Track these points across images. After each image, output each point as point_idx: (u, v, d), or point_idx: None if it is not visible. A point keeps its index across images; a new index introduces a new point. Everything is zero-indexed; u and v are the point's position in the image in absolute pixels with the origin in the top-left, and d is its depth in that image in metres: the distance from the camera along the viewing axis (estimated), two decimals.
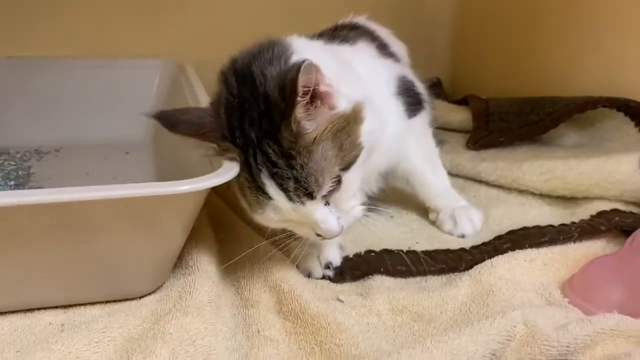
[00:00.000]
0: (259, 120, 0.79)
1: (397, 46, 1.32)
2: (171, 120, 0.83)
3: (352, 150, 0.82)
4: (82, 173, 1.32)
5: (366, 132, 0.85)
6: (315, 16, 1.27)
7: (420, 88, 1.21)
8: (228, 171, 0.79)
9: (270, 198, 0.80)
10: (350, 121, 0.83)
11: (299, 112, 0.77)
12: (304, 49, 0.87)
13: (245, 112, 0.80)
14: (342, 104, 0.83)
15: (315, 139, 0.79)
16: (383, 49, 1.20)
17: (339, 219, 0.83)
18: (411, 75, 1.20)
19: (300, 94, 0.75)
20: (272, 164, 0.79)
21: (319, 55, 0.83)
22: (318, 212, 0.81)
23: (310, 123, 0.79)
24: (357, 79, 0.94)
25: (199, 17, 1.72)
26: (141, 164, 1.41)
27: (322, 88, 0.79)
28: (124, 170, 1.36)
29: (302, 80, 0.74)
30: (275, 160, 0.78)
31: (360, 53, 1.10)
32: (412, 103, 1.11)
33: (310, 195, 0.79)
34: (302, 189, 0.78)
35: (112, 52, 1.58)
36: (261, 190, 0.80)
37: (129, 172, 1.36)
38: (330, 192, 0.81)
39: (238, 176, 0.81)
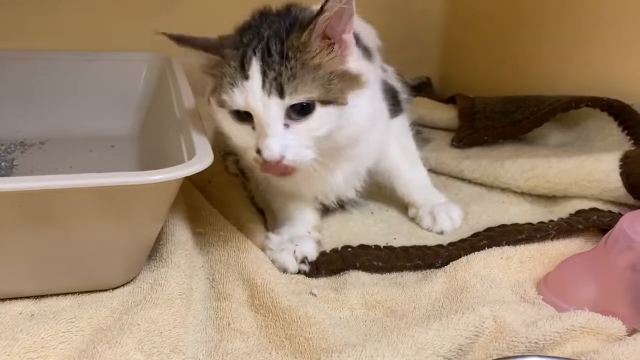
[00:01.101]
0: (278, 28, 0.86)
1: (367, 34, 1.28)
2: (179, 37, 0.90)
3: (337, 94, 0.86)
4: (66, 166, 1.32)
5: (358, 99, 0.89)
6: None
7: (400, 93, 1.24)
8: (200, 162, 0.79)
9: (246, 78, 0.84)
10: (350, 77, 0.88)
11: (318, 28, 0.83)
12: None
13: (266, 23, 0.89)
14: (352, 65, 0.89)
15: (314, 58, 0.85)
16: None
17: (287, 146, 0.84)
18: (390, 77, 1.23)
19: (326, 12, 0.81)
20: (268, 54, 0.84)
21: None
22: (275, 118, 0.83)
23: (318, 53, 0.85)
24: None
25: (187, 10, 1.72)
26: (126, 157, 1.39)
27: (346, 37, 0.87)
28: (109, 164, 1.35)
29: (331, 3, 0.80)
30: (272, 53, 0.84)
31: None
32: (393, 105, 1.14)
33: (281, 92, 0.82)
34: (277, 83, 0.82)
35: (99, 46, 1.58)
36: (242, 71, 0.84)
37: (113, 165, 1.35)
38: (300, 119, 0.84)
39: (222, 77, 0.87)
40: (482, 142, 1.47)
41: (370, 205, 1.22)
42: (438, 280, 0.95)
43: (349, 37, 0.88)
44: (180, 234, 0.97)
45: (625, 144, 1.25)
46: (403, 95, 1.25)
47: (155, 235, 0.88)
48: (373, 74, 0.98)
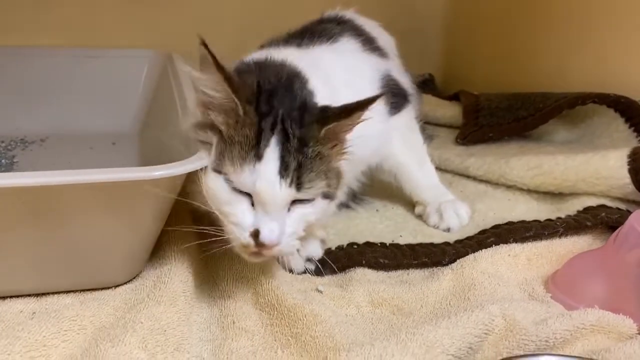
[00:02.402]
0: (290, 107, 0.81)
1: (384, 39, 1.30)
2: (220, 63, 0.79)
3: (333, 190, 0.85)
4: (66, 163, 1.30)
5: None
6: (304, 8, 1.26)
7: (406, 83, 1.21)
8: (202, 158, 0.78)
9: (259, 158, 0.77)
10: (338, 176, 0.87)
11: (334, 131, 0.82)
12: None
13: (277, 93, 0.83)
14: (341, 164, 0.88)
15: (326, 152, 0.82)
16: (369, 43, 1.18)
17: (283, 233, 0.79)
18: (396, 71, 1.20)
19: (352, 119, 0.81)
20: (286, 137, 0.78)
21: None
22: (283, 207, 0.78)
23: (329, 146, 0.82)
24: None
25: (188, 7, 1.70)
26: (127, 155, 1.39)
27: (346, 135, 0.86)
28: (110, 161, 1.34)
29: (360, 114, 0.81)
30: (290, 138, 0.78)
31: (342, 54, 1.09)
32: (396, 99, 1.11)
33: (299, 185, 0.78)
34: (297, 175, 0.77)
35: (100, 42, 1.57)
36: (257, 148, 0.77)
37: (114, 163, 1.34)
38: (303, 202, 0.80)
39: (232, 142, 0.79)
40: (487, 139, 1.46)
41: (376, 203, 1.21)
42: (445, 278, 0.93)
43: (347, 137, 0.86)
44: (183, 231, 0.95)
45: (633, 141, 1.24)
46: (407, 87, 1.22)
47: (158, 231, 0.87)
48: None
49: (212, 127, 0.82)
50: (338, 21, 1.23)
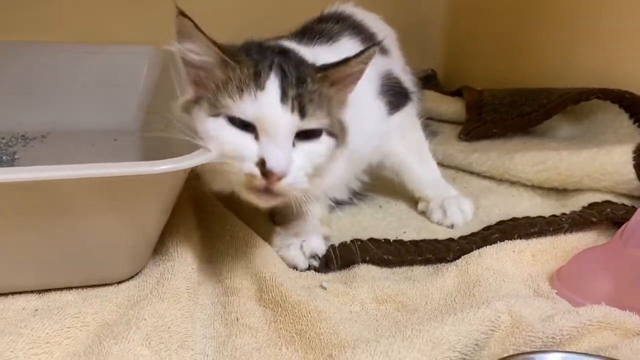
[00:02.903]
0: (285, 58, 0.85)
1: (385, 34, 1.29)
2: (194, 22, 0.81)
3: (338, 132, 0.86)
4: (67, 159, 1.29)
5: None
6: (305, 5, 1.26)
7: (407, 81, 1.22)
8: (204, 153, 0.77)
9: (261, 88, 0.79)
10: (342, 128, 0.89)
11: (334, 74, 0.85)
12: None
13: (274, 50, 0.88)
14: (345, 121, 0.90)
15: (329, 91, 0.85)
16: (368, 40, 1.18)
17: (292, 162, 0.79)
18: (397, 68, 1.20)
19: (356, 60, 0.84)
20: (284, 73, 0.81)
21: None
22: (290, 133, 0.80)
23: (332, 90, 0.86)
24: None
25: (189, 3, 1.69)
26: (129, 151, 1.38)
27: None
28: (111, 158, 1.33)
29: (365, 56, 0.85)
30: (288, 74, 0.81)
31: (341, 53, 1.08)
32: (396, 98, 1.12)
33: (303, 112, 0.79)
34: (299, 102, 0.79)
35: (101, 38, 1.56)
36: (256, 79, 0.79)
37: (116, 159, 1.32)
38: (306, 140, 0.82)
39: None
40: (491, 135, 1.46)
41: (379, 199, 1.21)
42: (450, 274, 0.93)
43: (347, 97, 0.90)
44: (187, 227, 0.95)
45: (637, 137, 1.23)
46: (408, 85, 1.23)
47: (161, 227, 0.86)
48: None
49: (206, 86, 0.83)
50: (337, 18, 1.22)
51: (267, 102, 0.78)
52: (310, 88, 0.82)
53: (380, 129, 1.07)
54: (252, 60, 0.82)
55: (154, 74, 1.45)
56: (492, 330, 0.76)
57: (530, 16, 1.66)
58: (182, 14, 0.79)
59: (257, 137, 0.79)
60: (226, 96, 0.79)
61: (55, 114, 1.43)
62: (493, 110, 1.51)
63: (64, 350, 0.71)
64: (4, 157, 1.28)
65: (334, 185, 1.04)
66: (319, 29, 1.13)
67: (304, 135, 0.81)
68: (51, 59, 1.46)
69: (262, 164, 0.77)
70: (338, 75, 0.85)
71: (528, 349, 0.74)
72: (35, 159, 1.30)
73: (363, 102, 1.00)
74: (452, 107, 1.66)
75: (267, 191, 0.78)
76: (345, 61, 0.84)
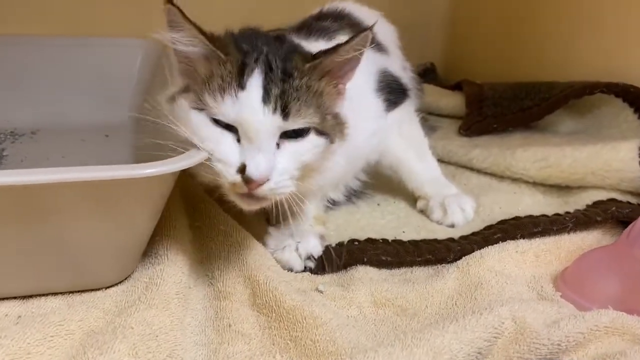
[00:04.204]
0: (277, 47, 0.82)
1: (384, 31, 1.28)
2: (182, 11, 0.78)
3: (329, 129, 0.82)
4: (57, 156, 1.27)
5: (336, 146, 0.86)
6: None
7: (405, 78, 1.20)
8: (195, 155, 0.74)
9: (242, 87, 0.76)
10: (339, 122, 0.86)
11: (327, 64, 0.80)
12: None
13: (263, 39, 0.83)
14: (343, 113, 0.87)
15: (318, 85, 0.80)
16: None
17: (273, 168, 0.76)
18: (395, 66, 1.19)
19: (345, 49, 0.79)
20: (270, 68, 0.77)
21: None
22: (271, 136, 0.76)
23: (323, 82, 0.81)
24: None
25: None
26: (121, 147, 1.35)
27: (341, 86, 0.85)
28: (103, 154, 1.30)
29: (357, 42, 0.79)
30: (274, 68, 0.77)
31: None
32: (394, 96, 1.09)
33: (286, 112, 0.76)
34: (282, 101, 0.76)
35: (93, 31, 1.53)
36: (239, 78, 0.76)
37: (107, 156, 1.30)
38: (291, 139, 0.78)
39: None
40: (491, 130, 1.43)
41: (377, 197, 1.18)
42: (450, 276, 0.90)
43: (344, 88, 0.86)
44: (177, 229, 0.92)
45: None
46: (406, 82, 1.20)
47: (150, 230, 0.83)
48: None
49: (194, 77, 0.81)
50: (336, 16, 1.20)
51: (247, 104, 0.75)
52: (297, 83, 0.78)
53: (378, 126, 1.05)
54: (240, 52, 0.79)
55: (147, 68, 1.42)
56: (495, 337, 0.74)
57: (532, 8, 1.63)
58: (169, 1, 0.76)
59: (239, 139, 0.77)
60: (210, 95, 0.77)
61: (45, 110, 1.40)
62: (494, 104, 1.47)
63: None
64: None
65: (331, 184, 1.02)
66: (317, 26, 1.11)
67: (290, 134, 0.78)
68: (41, 52, 1.43)
69: (243, 169, 0.75)
70: (330, 65, 0.81)
71: (533, 357, 0.71)
72: (24, 156, 1.26)
73: (361, 98, 0.98)
74: (452, 101, 1.63)
75: (250, 196, 0.77)
76: (337, 48, 0.79)
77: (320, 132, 0.80)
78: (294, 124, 0.77)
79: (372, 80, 1.06)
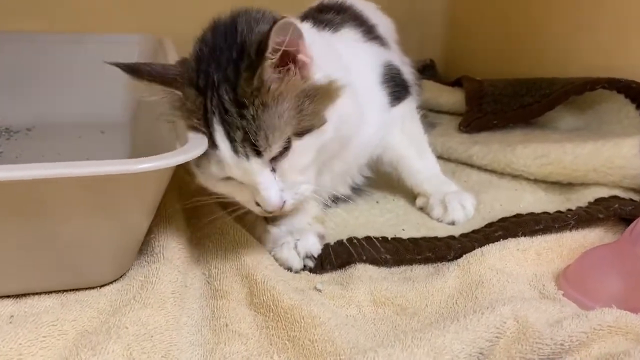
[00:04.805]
0: (226, 66, 0.78)
1: (384, 24, 1.27)
2: (133, 67, 0.80)
3: (313, 118, 0.80)
4: (53, 153, 1.27)
5: (336, 110, 0.83)
6: None
7: (407, 73, 1.19)
8: (191, 150, 0.73)
9: (216, 147, 0.77)
10: (321, 92, 0.81)
11: (267, 70, 0.76)
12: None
13: (214, 58, 0.79)
14: (318, 76, 0.82)
15: (274, 96, 0.77)
16: (370, 32, 1.16)
17: (282, 191, 0.80)
18: (397, 60, 1.18)
19: (269, 50, 0.74)
20: (225, 110, 0.77)
21: (309, 30, 0.89)
22: (261, 174, 0.78)
23: (275, 83, 0.77)
24: (342, 64, 0.92)
25: None
26: (117, 144, 1.35)
27: (301, 57, 0.79)
28: (99, 151, 1.30)
29: (274, 36, 0.73)
30: (228, 107, 0.76)
31: (345, 41, 1.06)
32: (397, 90, 1.08)
33: (257, 152, 0.77)
34: (249, 142, 0.76)
35: (88, 27, 1.52)
36: (211, 140, 0.78)
37: (103, 152, 1.30)
38: (279, 157, 0.79)
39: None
40: (491, 126, 1.42)
41: (375, 194, 1.16)
42: (451, 274, 0.88)
43: (303, 57, 0.80)
44: (173, 226, 0.91)
45: None
46: (408, 77, 1.20)
47: (146, 228, 0.82)
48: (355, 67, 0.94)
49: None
50: (338, 9, 1.19)
51: (226, 162, 0.78)
52: (253, 112, 0.76)
53: (383, 120, 1.04)
54: (198, 95, 0.79)
55: None
56: (497, 337, 0.72)
57: (532, 4, 1.62)
58: (116, 65, 0.79)
59: None
60: (204, 159, 0.80)
61: (40, 106, 1.41)
62: (494, 101, 1.46)
63: None
64: None
65: (341, 176, 1.02)
66: (320, 19, 1.10)
67: (276, 155, 0.79)
68: (37, 48, 1.43)
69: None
70: (270, 72, 0.77)
71: (535, 357, 0.70)
72: (19, 153, 1.27)
73: (368, 91, 0.98)
74: (452, 97, 1.62)
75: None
76: (261, 54, 0.75)
77: (301, 134, 0.80)
78: (270, 153, 0.77)
79: (377, 72, 1.05)
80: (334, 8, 1.19)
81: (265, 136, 0.76)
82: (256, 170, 0.78)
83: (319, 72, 0.82)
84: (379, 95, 1.04)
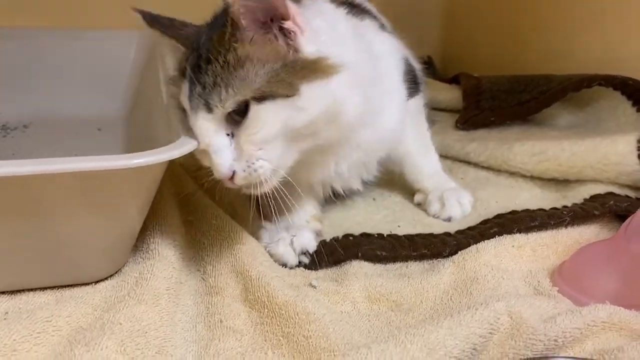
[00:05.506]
0: (214, 29, 0.79)
1: (384, 20, 1.26)
2: (152, 16, 0.83)
3: (280, 87, 0.75)
4: (49, 150, 1.26)
5: (321, 88, 0.77)
6: None
7: (418, 69, 1.20)
8: (184, 145, 0.73)
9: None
10: (304, 65, 0.76)
11: (239, 30, 0.75)
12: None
13: (213, 23, 0.81)
14: (309, 50, 0.77)
15: (241, 56, 0.75)
16: (384, 28, 1.15)
17: (234, 160, 0.76)
18: (410, 56, 1.18)
19: (240, 12, 0.73)
20: (197, 67, 0.76)
21: (325, 6, 0.87)
22: (215, 135, 0.76)
23: (247, 45, 0.75)
24: (361, 48, 0.89)
25: None
26: (114, 141, 1.34)
27: (288, 24, 0.76)
28: (95, 148, 1.29)
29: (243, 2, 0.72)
30: (199, 64, 0.76)
31: (373, 31, 1.05)
32: (411, 86, 1.08)
33: (208, 105, 0.75)
34: (203, 98, 0.75)
35: (85, 23, 1.52)
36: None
37: (100, 149, 1.29)
38: (239, 124, 0.75)
39: None
40: (489, 123, 1.41)
41: (373, 192, 1.16)
42: (446, 271, 0.88)
43: (290, 25, 0.76)
44: (168, 223, 0.91)
45: None
46: (419, 73, 1.21)
47: (140, 224, 0.82)
48: (363, 54, 0.88)
49: None
50: (350, 3, 1.17)
51: (187, 110, 0.78)
52: (213, 67, 0.75)
53: (402, 116, 1.02)
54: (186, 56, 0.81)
55: (141, 60, 1.41)
56: (490, 333, 0.72)
57: (531, 0, 1.61)
58: (136, 10, 0.82)
59: None
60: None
61: (37, 103, 1.39)
62: (491, 97, 1.46)
63: (32, 357, 0.67)
64: None
65: (357, 168, 1.00)
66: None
67: (236, 118, 0.76)
68: (33, 45, 1.41)
69: None
70: (239, 23, 0.74)
71: (529, 353, 0.70)
72: (16, 150, 1.26)
73: (392, 82, 0.98)
74: (449, 94, 1.62)
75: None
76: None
77: (260, 99, 0.75)
78: (221, 110, 0.75)
79: (400, 65, 1.03)
80: (345, 2, 1.18)
81: (218, 92, 0.74)
82: (206, 127, 0.75)
83: (312, 46, 0.77)
84: (402, 88, 1.02)
